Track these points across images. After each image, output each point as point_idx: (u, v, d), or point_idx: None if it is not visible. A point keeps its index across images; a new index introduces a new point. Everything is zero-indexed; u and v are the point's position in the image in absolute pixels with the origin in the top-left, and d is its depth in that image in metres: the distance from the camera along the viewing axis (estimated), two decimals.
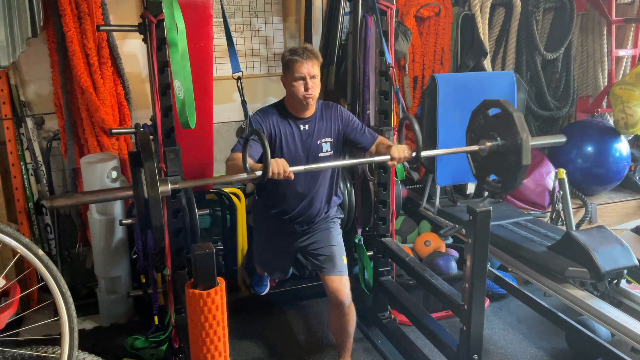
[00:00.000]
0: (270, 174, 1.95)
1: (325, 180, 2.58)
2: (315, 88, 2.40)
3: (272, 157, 2.13)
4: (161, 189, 1.82)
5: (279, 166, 2.00)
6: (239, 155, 2.15)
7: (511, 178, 2.13)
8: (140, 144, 1.92)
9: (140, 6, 3.36)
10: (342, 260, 2.65)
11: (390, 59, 2.75)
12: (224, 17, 2.42)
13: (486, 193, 3.73)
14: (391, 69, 2.74)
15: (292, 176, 2.06)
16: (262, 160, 1.93)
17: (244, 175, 1.99)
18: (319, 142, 2.51)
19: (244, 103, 2.41)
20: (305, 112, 2.49)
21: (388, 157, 2.25)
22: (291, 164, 2.10)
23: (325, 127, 2.53)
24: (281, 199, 2.56)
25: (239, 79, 2.35)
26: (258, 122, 2.45)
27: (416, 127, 2.15)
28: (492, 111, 2.24)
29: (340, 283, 2.60)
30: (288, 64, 2.40)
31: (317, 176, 2.55)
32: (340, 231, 2.74)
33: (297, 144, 2.49)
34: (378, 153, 2.47)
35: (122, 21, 3.30)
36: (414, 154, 2.23)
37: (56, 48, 3.15)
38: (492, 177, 2.31)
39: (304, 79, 2.37)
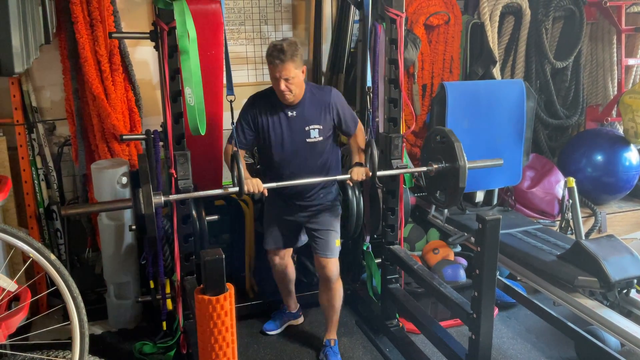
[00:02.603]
0: (245, 190, 2.37)
1: (314, 157, 2.66)
2: (291, 87, 2.47)
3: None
4: (155, 200, 2.21)
5: (253, 185, 2.43)
6: (230, 147, 2.55)
7: (452, 197, 2.65)
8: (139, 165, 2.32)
9: (152, 14, 3.39)
10: (335, 243, 2.84)
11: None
12: (225, 45, 2.44)
13: (495, 201, 3.73)
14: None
15: (266, 192, 2.49)
16: (238, 179, 2.35)
17: (221, 191, 2.45)
18: (306, 128, 2.59)
19: (232, 124, 2.48)
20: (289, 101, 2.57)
21: (348, 176, 2.61)
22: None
23: (315, 114, 2.60)
24: (273, 170, 2.71)
25: (231, 102, 2.39)
26: (246, 111, 2.62)
27: (375, 152, 2.59)
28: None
29: (329, 262, 2.83)
30: (267, 60, 2.48)
31: (303, 152, 2.64)
32: (340, 212, 2.90)
33: (283, 130, 2.59)
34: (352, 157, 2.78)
35: (134, 28, 3.33)
36: (370, 174, 2.61)
37: (68, 55, 3.18)
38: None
39: (278, 80, 2.45)
